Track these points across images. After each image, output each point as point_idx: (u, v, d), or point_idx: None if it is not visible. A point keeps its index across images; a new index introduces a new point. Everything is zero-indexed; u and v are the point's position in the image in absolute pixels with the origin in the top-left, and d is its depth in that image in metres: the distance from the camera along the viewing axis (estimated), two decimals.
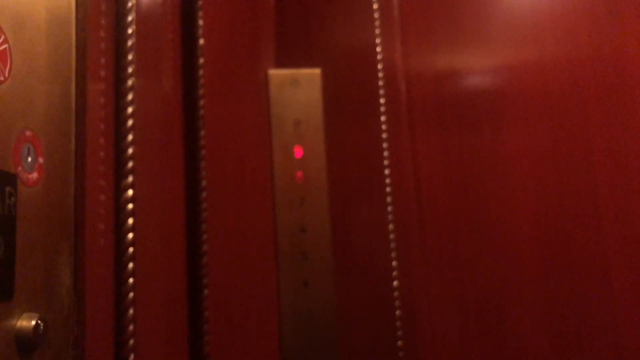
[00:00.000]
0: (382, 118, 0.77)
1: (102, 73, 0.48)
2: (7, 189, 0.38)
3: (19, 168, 0.40)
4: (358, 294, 0.74)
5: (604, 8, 0.86)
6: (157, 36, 0.56)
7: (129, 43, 0.50)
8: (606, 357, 0.79)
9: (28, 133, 0.41)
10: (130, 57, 0.50)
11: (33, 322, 0.39)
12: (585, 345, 0.79)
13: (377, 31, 0.79)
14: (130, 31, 0.50)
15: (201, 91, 0.60)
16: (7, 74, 0.39)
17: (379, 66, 0.78)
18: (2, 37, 0.39)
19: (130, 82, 0.49)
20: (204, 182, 0.59)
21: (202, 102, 0.60)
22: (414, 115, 0.82)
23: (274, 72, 0.71)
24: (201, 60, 0.60)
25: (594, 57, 0.85)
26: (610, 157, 0.83)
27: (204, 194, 0.59)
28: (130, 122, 0.49)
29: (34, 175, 0.41)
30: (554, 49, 0.85)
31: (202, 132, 0.60)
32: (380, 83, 0.78)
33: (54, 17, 0.45)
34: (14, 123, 0.40)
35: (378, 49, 0.79)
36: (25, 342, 0.38)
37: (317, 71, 0.72)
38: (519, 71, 0.85)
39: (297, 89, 0.71)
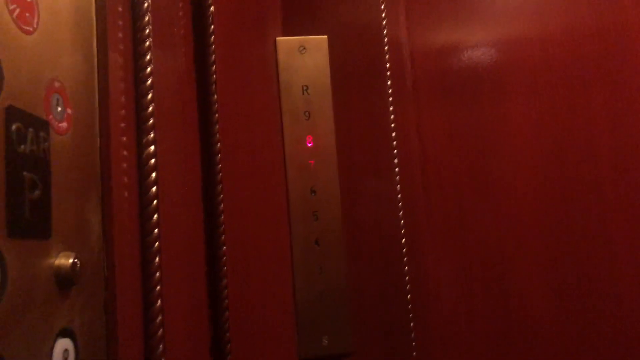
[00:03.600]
0: (389, 82, 0.79)
1: (120, 35, 0.50)
2: (41, 134, 0.40)
3: (50, 116, 0.41)
4: (368, 253, 0.76)
5: None
6: (170, 2, 0.58)
7: (145, 5, 0.52)
8: (605, 313, 0.81)
9: (56, 84, 0.43)
10: (146, 18, 0.51)
11: (70, 261, 0.40)
12: (586, 302, 0.81)
13: (383, 3, 0.81)
14: None
15: (213, 57, 0.62)
16: (35, 25, 0.41)
17: (385, 36, 0.80)
18: None
19: (147, 43, 0.51)
20: (218, 146, 0.61)
21: (214, 68, 0.62)
22: (419, 86, 0.84)
23: (282, 39, 0.73)
24: (212, 27, 0.62)
25: (595, 30, 0.86)
26: (611, 126, 0.85)
27: (218, 157, 0.61)
28: (149, 82, 0.51)
29: (64, 124, 0.43)
30: (556, 22, 0.87)
31: (215, 97, 0.62)
32: (386, 54, 0.80)
33: None
34: (44, 73, 0.41)
35: (383, 21, 0.81)
36: (64, 279, 0.40)
37: (324, 37, 0.75)
38: (521, 44, 0.87)
39: (305, 55, 0.73)
